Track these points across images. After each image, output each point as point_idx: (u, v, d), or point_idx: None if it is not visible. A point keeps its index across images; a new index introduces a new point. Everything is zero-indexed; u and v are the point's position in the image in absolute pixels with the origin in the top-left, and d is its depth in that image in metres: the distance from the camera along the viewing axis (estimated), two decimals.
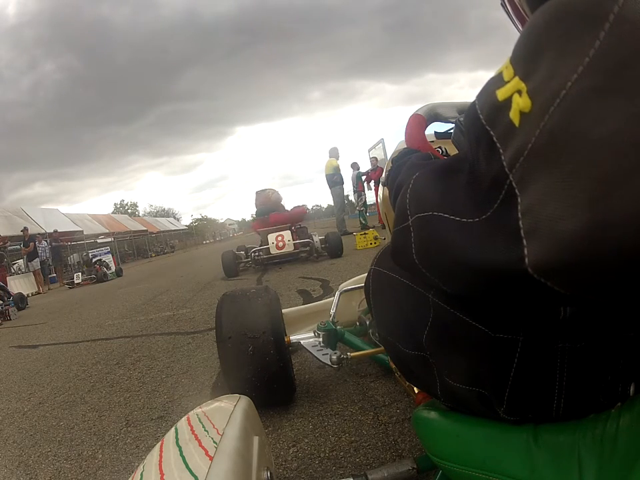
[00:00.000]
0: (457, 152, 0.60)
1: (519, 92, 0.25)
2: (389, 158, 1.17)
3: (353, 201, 10.94)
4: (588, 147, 0.21)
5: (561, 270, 0.23)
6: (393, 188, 0.49)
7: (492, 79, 0.28)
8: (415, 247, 0.34)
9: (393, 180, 0.49)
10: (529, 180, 0.24)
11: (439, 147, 0.65)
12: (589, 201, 0.21)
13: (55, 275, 12.68)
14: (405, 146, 0.62)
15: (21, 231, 11.24)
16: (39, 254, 10.81)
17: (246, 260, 5.78)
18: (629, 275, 0.22)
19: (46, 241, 11.93)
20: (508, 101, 0.25)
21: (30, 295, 9.35)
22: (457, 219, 0.29)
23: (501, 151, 0.26)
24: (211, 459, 0.39)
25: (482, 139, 0.28)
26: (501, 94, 0.26)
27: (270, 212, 5.98)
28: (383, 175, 1.05)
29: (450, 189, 0.32)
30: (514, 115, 0.25)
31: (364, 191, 9.79)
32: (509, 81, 0.26)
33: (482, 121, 0.28)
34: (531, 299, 0.29)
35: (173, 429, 0.48)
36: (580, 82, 0.21)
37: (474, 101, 0.30)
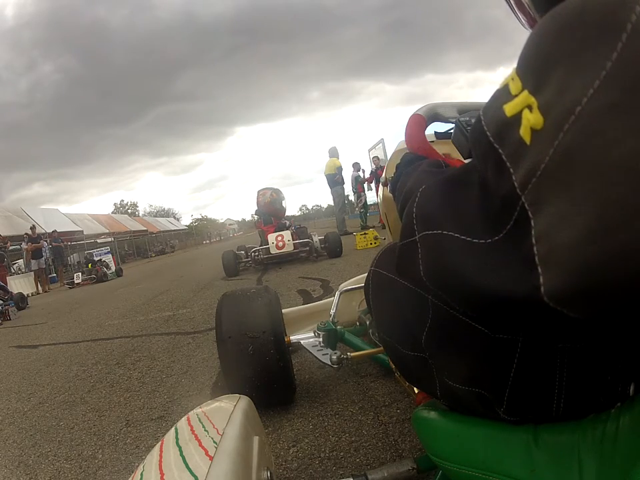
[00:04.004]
0: (458, 153, 0.60)
1: (529, 107, 0.23)
2: (389, 158, 1.17)
3: (353, 201, 10.96)
4: (605, 169, 0.20)
5: (578, 298, 0.22)
6: (400, 195, 0.47)
7: (497, 92, 0.27)
8: (422, 265, 0.33)
9: (402, 186, 0.47)
10: (543, 202, 0.22)
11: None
12: (607, 227, 0.20)
13: (55, 274, 12.70)
14: (405, 146, 0.62)
15: (30, 228, 11.36)
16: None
17: (246, 260, 5.80)
18: None
19: (46, 241, 11.94)
20: (517, 117, 0.24)
21: (30, 294, 9.35)
22: (468, 239, 0.28)
23: (511, 170, 0.24)
24: (211, 459, 0.39)
25: (490, 157, 0.26)
26: (509, 109, 0.25)
27: (271, 216, 6.07)
28: (383, 174, 1.05)
29: (459, 205, 0.30)
30: (524, 132, 0.23)
31: (364, 192, 9.81)
32: (516, 95, 0.24)
33: (489, 139, 0.26)
34: (542, 323, 0.29)
35: (173, 429, 0.48)
36: (596, 98, 0.20)
37: (479, 116, 0.28)
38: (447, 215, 0.31)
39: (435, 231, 0.31)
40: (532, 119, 0.23)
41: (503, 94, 0.26)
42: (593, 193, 0.20)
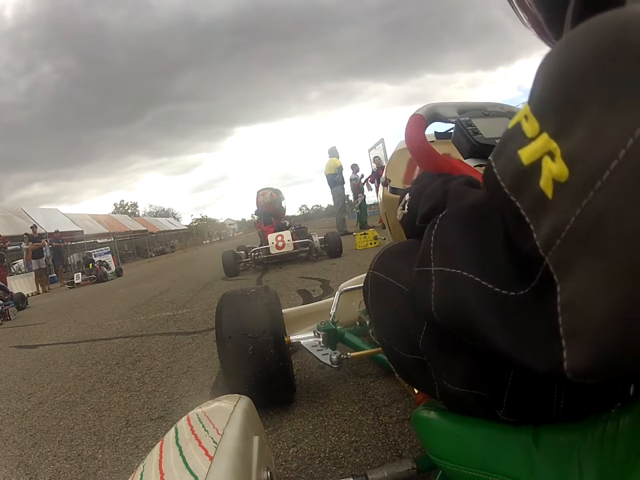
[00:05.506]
0: (459, 153, 0.60)
1: (550, 154, 0.20)
2: (389, 158, 1.17)
3: (353, 201, 11.02)
4: None
5: (602, 373, 0.20)
6: (424, 206, 0.44)
7: (509, 133, 0.24)
8: (434, 300, 0.30)
9: (429, 195, 0.45)
10: (570, 268, 0.20)
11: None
12: None
13: (55, 274, 12.70)
14: (405, 146, 0.62)
15: (31, 228, 11.41)
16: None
17: (246, 260, 5.80)
18: None
19: (46, 240, 11.95)
20: (536, 165, 0.21)
21: (30, 294, 9.35)
22: (489, 286, 0.26)
23: (531, 227, 0.22)
24: (211, 459, 0.39)
25: (507, 209, 0.23)
26: (526, 156, 0.21)
27: (271, 216, 6.11)
28: (383, 174, 1.05)
29: (480, 243, 0.28)
30: (545, 185, 0.20)
31: (360, 193, 9.85)
32: (533, 138, 0.21)
33: (504, 190, 0.23)
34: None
35: (173, 428, 0.48)
36: (637, 150, 0.16)
37: (490, 163, 0.25)
38: (467, 252, 0.28)
39: (452, 270, 0.28)
40: (554, 169, 0.20)
41: (517, 136, 0.22)
42: (630, 266, 0.17)
